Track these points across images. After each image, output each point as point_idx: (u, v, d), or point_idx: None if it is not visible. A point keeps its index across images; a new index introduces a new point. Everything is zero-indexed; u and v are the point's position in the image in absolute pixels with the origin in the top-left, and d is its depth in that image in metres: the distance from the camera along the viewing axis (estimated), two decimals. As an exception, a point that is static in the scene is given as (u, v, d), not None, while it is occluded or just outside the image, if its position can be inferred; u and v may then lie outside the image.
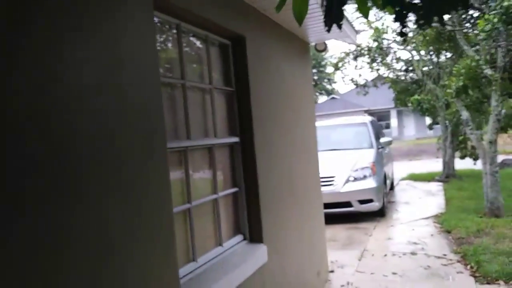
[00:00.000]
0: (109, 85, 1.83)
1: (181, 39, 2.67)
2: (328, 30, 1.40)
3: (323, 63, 38.97)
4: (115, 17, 1.90)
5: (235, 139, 3.29)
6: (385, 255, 5.77)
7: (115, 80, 1.87)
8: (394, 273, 5.04)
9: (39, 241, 1.44)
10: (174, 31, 2.65)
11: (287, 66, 4.24)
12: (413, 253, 5.74)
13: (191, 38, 2.91)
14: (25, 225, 1.40)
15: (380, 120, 36.80)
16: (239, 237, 3.28)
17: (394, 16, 1.38)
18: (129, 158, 1.91)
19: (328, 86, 46.20)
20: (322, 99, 43.36)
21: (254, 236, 3.34)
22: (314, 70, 44.76)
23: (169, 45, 2.67)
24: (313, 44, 5.27)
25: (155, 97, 2.14)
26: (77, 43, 1.68)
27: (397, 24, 1.39)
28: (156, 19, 2.43)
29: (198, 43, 2.98)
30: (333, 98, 37.45)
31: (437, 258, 5.47)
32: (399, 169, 14.91)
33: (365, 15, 1.58)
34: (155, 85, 2.16)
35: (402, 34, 1.51)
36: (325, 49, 5.15)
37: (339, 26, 1.42)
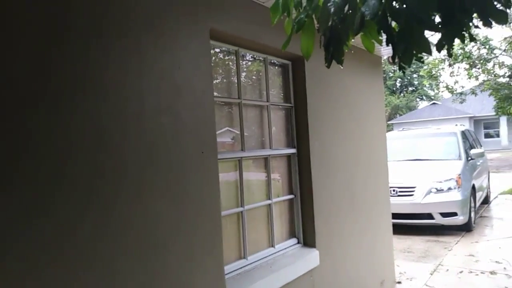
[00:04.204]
0: (166, 108, 2.27)
1: (239, 63, 3.05)
2: (328, 66, 1.65)
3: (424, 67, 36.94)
4: (173, 50, 2.34)
5: (292, 150, 3.58)
6: (461, 272, 5.56)
7: (172, 104, 2.30)
8: (465, 291, 4.88)
9: (104, 229, 1.92)
10: (233, 56, 3.04)
11: (352, 79, 4.40)
12: (492, 273, 5.45)
13: (250, 61, 3.28)
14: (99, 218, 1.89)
15: (487, 128, 33.83)
16: (293, 241, 3.56)
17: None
18: (180, 168, 2.33)
19: (431, 92, 43.80)
20: (423, 104, 41.17)
21: (308, 240, 3.59)
22: (415, 75, 42.74)
23: (228, 68, 3.07)
24: (385, 57, 5.32)
25: (208, 116, 2.54)
26: (139, 75, 2.14)
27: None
28: (215, 48, 2.84)
29: (257, 65, 3.34)
30: (433, 103, 35.30)
31: (518, 280, 5.14)
32: (500, 182, 13.74)
33: (371, 50, 1.78)
34: (209, 105, 2.56)
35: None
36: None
37: (340, 62, 1.66)
